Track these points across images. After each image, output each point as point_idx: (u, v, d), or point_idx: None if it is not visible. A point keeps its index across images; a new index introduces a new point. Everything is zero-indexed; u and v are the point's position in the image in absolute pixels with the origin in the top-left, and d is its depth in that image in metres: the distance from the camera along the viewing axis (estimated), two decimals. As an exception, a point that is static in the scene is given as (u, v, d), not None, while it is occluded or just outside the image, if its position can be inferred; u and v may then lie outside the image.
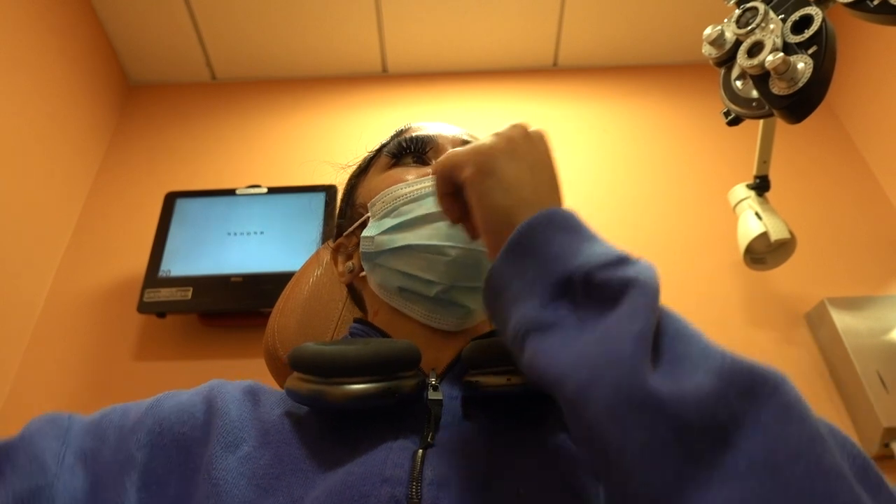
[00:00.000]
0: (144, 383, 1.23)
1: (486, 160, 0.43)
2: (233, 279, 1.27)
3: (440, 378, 0.50)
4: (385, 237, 0.54)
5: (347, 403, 0.42)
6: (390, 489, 0.39)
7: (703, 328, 0.33)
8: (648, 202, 1.46)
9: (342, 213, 0.66)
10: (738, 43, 0.63)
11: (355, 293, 0.65)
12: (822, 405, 1.17)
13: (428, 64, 1.72)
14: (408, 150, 0.60)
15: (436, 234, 0.52)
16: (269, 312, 0.76)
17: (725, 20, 0.65)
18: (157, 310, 1.25)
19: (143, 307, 1.24)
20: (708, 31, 0.66)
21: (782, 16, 0.60)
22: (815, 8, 0.57)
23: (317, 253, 0.82)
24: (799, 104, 0.57)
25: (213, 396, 0.47)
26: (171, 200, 1.39)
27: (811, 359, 1.22)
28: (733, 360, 0.30)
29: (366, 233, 0.56)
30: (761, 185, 1.15)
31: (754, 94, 0.62)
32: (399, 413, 0.46)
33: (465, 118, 1.63)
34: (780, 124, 0.78)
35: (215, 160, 1.57)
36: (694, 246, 1.38)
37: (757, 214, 1.14)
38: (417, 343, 0.48)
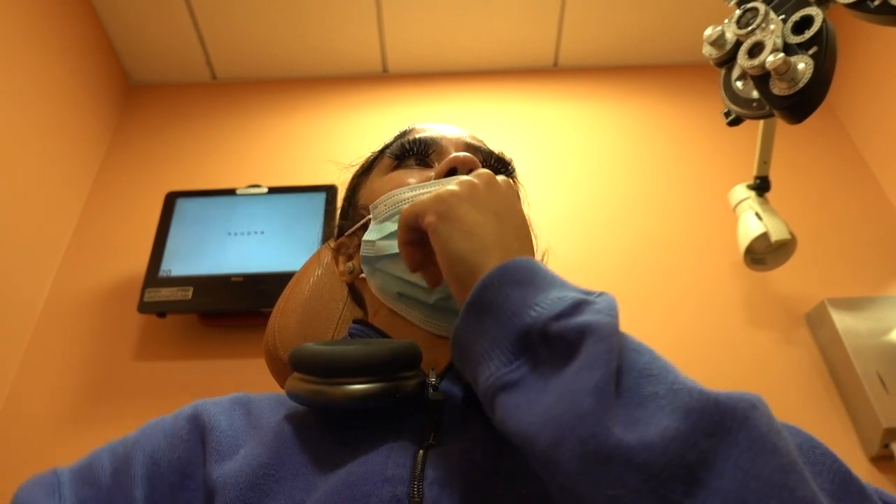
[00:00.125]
0: (144, 383, 1.22)
1: (447, 207, 0.42)
2: (233, 279, 1.27)
3: (440, 378, 0.50)
4: (386, 242, 0.54)
5: (348, 404, 0.42)
6: (392, 489, 0.39)
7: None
8: (649, 202, 1.46)
9: (344, 212, 0.66)
10: (738, 43, 0.63)
11: (356, 293, 0.65)
12: (822, 405, 1.17)
13: (428, 64, 1.72)
14: (410, 152, 0.59)
15: None
16: (270, 312, 0.76)
17: (726, 20, 0.65)
18: (157, 310, 1.25)
19: (144, 307, 1.24)
20: (708, 31, 0.66)
21: (783, 16, 0.60)
22: (815, 8, 0.57)
23: (317, 253, 0.82)
24: (799, 104, 0.57)
25: (197, 414, 0.48)
26: (171, 200, 1.39)
27: (811, 359, 1.22)
28: (700, 395, 0.30)
29: (367, 236, 0.56)
30: (761, 186, 1.15)
31: (755, 94, 0.63)
32: (400, 413, 0.46)
33: (465, 118, 1.63)
34: (781, 124, 0.78)
35: (216, 160, 1.57)
36: (694, 246, 1.38)
37: (757, 215, 1.14)
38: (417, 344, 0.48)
